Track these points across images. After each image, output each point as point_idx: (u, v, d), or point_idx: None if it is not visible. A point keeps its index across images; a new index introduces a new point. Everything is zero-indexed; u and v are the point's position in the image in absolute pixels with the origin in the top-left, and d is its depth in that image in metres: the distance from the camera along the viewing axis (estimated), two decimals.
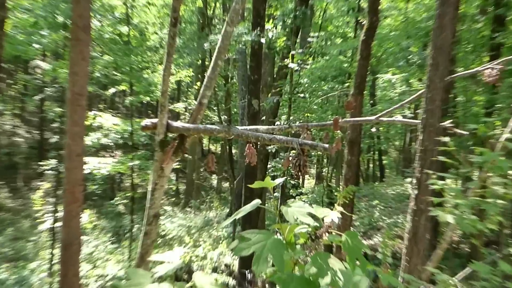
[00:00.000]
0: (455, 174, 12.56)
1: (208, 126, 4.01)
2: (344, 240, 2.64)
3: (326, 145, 3.24)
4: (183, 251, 2.71)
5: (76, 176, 4.52)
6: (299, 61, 15.12)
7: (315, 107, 18.47)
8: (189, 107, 24.51)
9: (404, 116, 16.91)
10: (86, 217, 20.44)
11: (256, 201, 2.70)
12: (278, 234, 2.82)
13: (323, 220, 2.76)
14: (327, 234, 2.74)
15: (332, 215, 2.74)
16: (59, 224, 17.14)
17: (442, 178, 5.35)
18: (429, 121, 5.70)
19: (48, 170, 19.94)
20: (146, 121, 4.33)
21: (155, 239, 4.37)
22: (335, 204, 2.94)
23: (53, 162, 18.43)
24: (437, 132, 5.67)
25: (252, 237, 2.50)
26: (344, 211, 2.87)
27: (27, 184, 31.29)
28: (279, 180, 2.94)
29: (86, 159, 15.47)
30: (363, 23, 11.99)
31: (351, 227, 12.40)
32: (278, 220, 2.70)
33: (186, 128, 4.06)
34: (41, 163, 19.73)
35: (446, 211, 4.01)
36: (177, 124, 4.15)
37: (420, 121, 5.84)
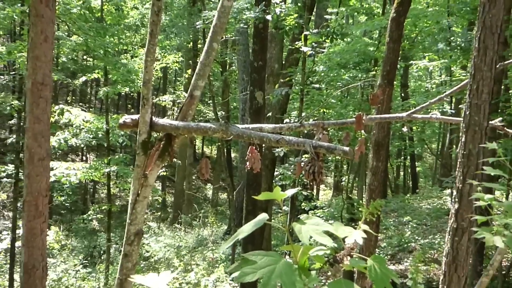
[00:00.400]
0: (505, 185, 12.53)
1: (201, 124, 4.00)
2: (370, 265, 2.63)
3: (347, 148, 3.23)
4: (171, 276, 2.70)
5: (40, 184, 4.52)
6: (313, 43, 15.10)
7: (333, 101, 18.48)
8: (178, 101, 24.54)
9: (443, 113, 16.91)
10: (52, 235, 20.45)
11: (263, 217, 2.69)
12: (288, 256, 2.82)
13: (344, 240, 2.76)
14: (348, 258, 2.73)
15: (355, 235, 2.73)
16: (19, 243, 17.17)
17: (490, 191, 5.33)
18: (474, 119, 5.67)
19: (4, 177, 19.97)
20: (125, 118, 4.32)
21: (137, 262, 4.36)
22: (359, 222, 2.93)
23: (10, 167, 18.44)
24: (484, 133, 5.65)
25: (258, 260, 2.49)
26: (369, 230, 2.86)
27: None
28: (291, 191, 2.93)
29: (51, 164, 15.50)
30: None
31: (376, 249, 12.40)
32: (289, 239, 2.69)
33: (174, 127, 4.05)
34: None
35: (493, 232, 3.99)
36: (163, 121, 4.14)
37: (462, 118, 5.82)
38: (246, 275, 2.46)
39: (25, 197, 4.47)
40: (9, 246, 18.53)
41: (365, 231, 2.86)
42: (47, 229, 5.07)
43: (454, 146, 22.85)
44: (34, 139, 4.35)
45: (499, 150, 4.34)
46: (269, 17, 13.66)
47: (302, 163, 3.53)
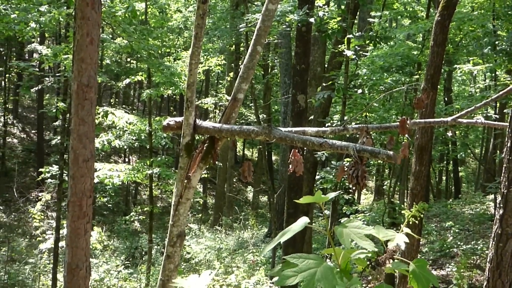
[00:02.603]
0: None
1: (244, 127, 4.00)
2: (412, 269, 2.63)
3: (391, 153, 3.21)
4: (211, 276, 2.72)
5: (84, 185, 4.57)
6: (356, 47, 15.05)
7: (376, 104, 18.38)
8: (220, 103, 24.63)
9: (487, 118, 16.72)
10: (95, 235, 20.63)
11: (304, 220, 2.70)
12: (329, 260, 2.83)
13: (386, 244, 2.75)
14: (390, 260, 2.72)
15: (397, 239, 2.73)
16: (62, 243, 17.37)
17: None
18: None
19: (48, 178, 20.20)
20: (169, 120, 4.36)
21: (179, 264, 4.39)
22: (402, 225, 2.92)
23: (54, 168, 18.65)
24: None
25: (299, 263, 2.50)
26: (411, 233, 2.85)
27: (24, 195, 31.77)
28: (332, 195, 2.93)
29: (95, 165, 15.66)
30: None
31: (418, 254, 12.31)
32: (331, 243, 2.69)
33: (217, 129, 4.06)
34: (40, 169, 20.01)
35: None
36: (207, 124, 4.16)
37: (508, 123, 5.76)
38: (287, 278, 2.47)
39: (69, 197, 4.52)
40: (53, 246, 18.74)
41: (407, 235, 2.86)
42: (90, 230, 5.12)
43: (498, 151, 22.56)
44: (79, 141, 4.40)
45: None
46: (312, 20, 13.64)
47: (345, 167, 3.53)
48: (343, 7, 15.21)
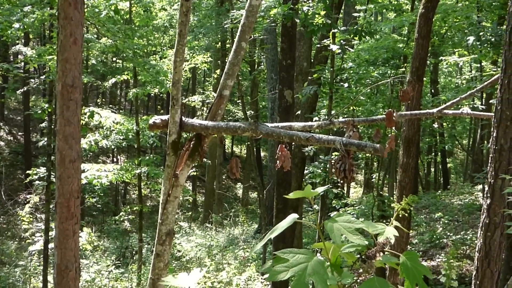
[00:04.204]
0: None
1: (231, 123, 4.00)
2: (402, 262, 2.62)
3: (377, 145, 3.21)
4: (201, 274, 2.71)
5: (71, 186, 4.54)
6: (342, 41, 15.05)
7: (362, 98, 18.41)
8: (207, 101, 24.62)
9: (474, 108, 16.77)
10: (85, 236, 20.58)
11: (293, 216, 2.68)
12: (319, 254, 2.82)
13: (375, 237, 2.75)
14: (380, 254, 2.72)
15: (387, 232, 2.72)
16: (52, 245, 17.31)
17: None
18: (506, 114, 5.62)
19: (36, 180, 20.13)
20: (155, 118, 4.35)
21: (168, 262, 4.38)
22: (391, 218, 2.91)
23: (42, 170, 18.57)
24: None
25: (290, 258, 2.49)
26: (400, 227, 2.84)
27: (12, 198, 31.65)
28: (321, 189, 2.92)
29: (82, 166, 15.60)
30: None
31: (408, 246, 12.33)
32: (320, 237, 2.68)
33: (204, 126, 4.06)
34: (28, 171, 19.93)
35: None
36: (193, 121, 4.15)
37: (494, 113, 5.77)
38: (279, 273, 2.46)
39: (57, 199, 4.50)
40: (43, 247, 18.68)
41: (396, 228, 2.85)
42: (80, 231, 5.10)
43: (486, 141, 22.65)
44: (65, 141, 4.37)
45: None
46: (297, 16, 13.64)
47: (333, 161, 3.53)
48: (327, 1, 15.20)
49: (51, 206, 17.47)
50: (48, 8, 16.39)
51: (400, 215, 3.12)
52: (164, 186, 4.22)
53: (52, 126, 17.98)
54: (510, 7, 5.67)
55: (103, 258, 22.07)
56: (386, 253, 2.73)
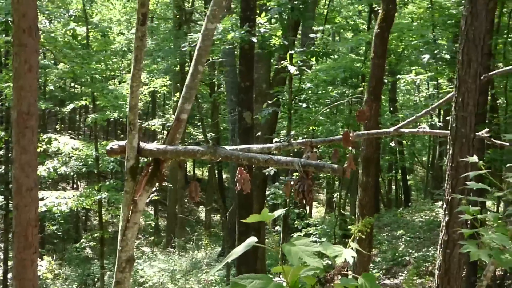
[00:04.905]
0: (494, 196, 12.55)
1: (189, 147, 3.99)
2: (361, 284, 2.62)
3: (335, 166, 3.22)
4: None
5: (28, 215, 4.49)
6: (299, 62, 15.15)
7: (321, 118, 18.50)
8: (167, 124, 24.52)
9: (432, 126, 16.96)
10: (45, 265, 20.33)
11: (251, 240, 2.67)
12: (280, 277, 2.81)
13: (334, 259, 2.75)
14: (339, 277, 2.72)
15: (345, 254, 2.73)
16: (11, 275, 17.09)
17: (478, 203, 5.31)
18: (461, 131, 5.69)
19: None
20: (112, 144, 4.31)
21: None
22: (349, 240, 2.92)
23: (0, 198, 18.36)
24: (472, 144, 5.66)
25: (248, 284, 2.48)
26: (359, 248, 2.85)
27: None
28: (278, 212, 2.92)
29: (40, 193, 15.43)
30: (378, 11, 12.04)
31: (370, 264, 12.38)
32: (280, 261, 2.68)
33: (162, 151, 4.03)
34: None
35: (481, 245, 3.97)
36: (151, 146, 4.13)
37: (449, 131, 5.84)
38: None
39: (14, 228, 4.44)
40: (2, 278, 18.43)
41: (356, 250, 2.85)
42: (40, 259, 5.04)
43: (444, 158, 22.89)
44: (21, 170, 4.32)
45: (480, 163, 4.33)
46: (254, 38, 13.70)
47: (292, 182, 3.53)
48: (284, 23, 15.29)
49: (9, 236, 17.26)
50: (4, 35, 16.25)
51: (358, 237, 3.14)
52: (123, 212, 4.18)
53: (9, 154, 17.79)
54: (462, 26, 5.75)
55: (64, 286, 21.80)
56: (346, 275, 2.73)
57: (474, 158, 4.46)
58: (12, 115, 4.37)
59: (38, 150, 4.44)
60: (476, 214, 3.95)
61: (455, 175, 5.70)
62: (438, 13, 18.51)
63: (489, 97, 14.30)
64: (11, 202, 16.61)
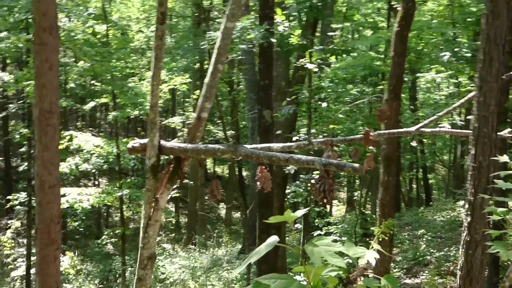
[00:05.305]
0: None
1: (210, 145, 3.99)
2: (383, 285, 2.61)
3: (356, 165, 3.21)
4: None
5: (51, 212, 4.51)
6: (318, 60, 15.10)
7: (341, 116, 18.43)
8: (187, 122, 24.51)
9: (453, 125, 16.82)
10: (67, 260, 20.42)
11: (273, 239, 2.67)
12: (301, 276, 2.80)
13: (357, 260, 2.73)
14: (362, 278, 2.71)
15: (368, 256, 2.71)
16: (34, 270, 17.20)
17: (503, 203, 5.26)
18: (483, 131, 5.64)
19: (17, 205, 19.97)
20: (134, 142, 4.32)
21: (151, 286, 4.34)
22: (372, 242, 2.91)
23: (23, 195, 18.46)
24: (494, 145, 5.61)
25: (271, 283, 2.47)
26: (381, 250, 2.84)
27: None
28: (300, 212, 2.91)
29: (63, 190, 15.50)
30: (397, 9, 11.96)
31: (391, 264, 12.31)
32: (301, 261, 2.67)
33: (182, 149, 4.04)
34: (8, 197, 19.78)
35: (508, 246, 3.93)
36: (172, 144, 4.13)
37: (471, 131, 5.79)
38: None
39: (37, 225, 4.47)
40: (25, 273, 18.54)
41: (378, 251, 2.84)
42: (62, 255, 5.07)
43: (466, 157, 22.70)
44: (43, 167, 4.34)
45: (510, 163, 4.30)
46: (273, 38, 13.68)
47: (313, 181, 3.52)
48: (303, 22, 15.25)
49: (32, 232, 17.36)
50: (25, 34, 16.35)
51: (380, 239, 3.12)
52: (145, 209, 4.19)
53: (32, 151, 17.89)
54: (483, 24, 5.70)
55: (86, 282, 21.89)
56: (368, 276, 2.71)
57: (505, 158, 4.43)
58: (34, 113, 4.39)
59: (60, 147, 4.49)
60: (504, 215, 3.91)
61: (478, 175, 5.64)
62: (458, 11, 18.36)
63: (510, 96, 14.16)
64: (34, 199, 16.79)
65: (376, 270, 8.09)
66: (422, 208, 28.71)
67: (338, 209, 37.85)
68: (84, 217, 30.40)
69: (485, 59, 5.62)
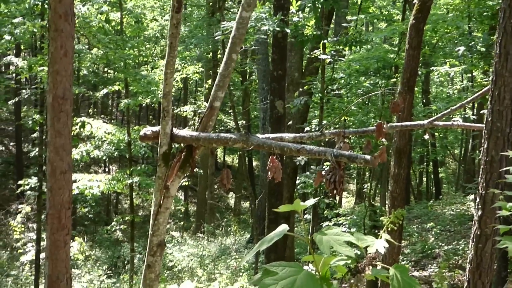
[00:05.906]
0: None
1: (222, 134, 4.00)
2: (392, 274, 2.62)
3: (368, 157, 3.21)
4: (193, 285, 2.71)
5: (62, 197, 4.53)
6: (332, 51, 15.07)
7: (353, 108, 18.40)
8: (199, 111, 24.55)
9: (466, 119, 16.79)
10: (77, 246, 20.50)
11: (283, 228, 2.68)
12: (310, 266, 2.82)
13: (365, 250, 2.74)
14: (370, 267, 2.72)
15: (377, 245, 2.72)
16: (43, 255, 17.27)
17: None
18: (497, 125, 5.62)
19: (28, 190, 20.05)
20: (146, 130, 4.34)
21: (160, 273, 4.37)
22: (381, 231, 2.91)
23: (33, 180, 18.52)
24: (507, 139, 5.60)
25: (279, 271, 2.49)
26: (390, 239, 2.84)
27: (4, 208, 31.55)
28: (310, 202, 2.92)
29: (74, 176, 15.56)
30: (413, 1, 11.91)
31: (399, 256, 12.31)
32: (310, 250, 2.68)
33: (194, 138, 4.05)
34: (19, 182, 19.86)
35: None
36: (184, 132, 4.15)
37: (484, 125, 5.77)
38: (267, 286, 2.46)
39: (48, 210, 4.49)
40: (34, 258, 18.63)
41: (387, 241, 2.85)
42: (71, 241, 5.09)
43: (477, 151, 22.64)
44: (55, 153, 4.36)
45: None
46: (287, 29, 13.65)
47: (323, 172, 3.52)
48: (318, 12, 15.21)
49: (42, 217, 17.43)
50: (39, 20, 16.38)
51: (389, 229, 3.12)
52: (155, 197, 4.21)
53: (44, 137, 17.94)
54: (500, 18, 5.67)
55: (95, 268, 22.00)
56: (377, 265, 2.73)
57: None
58: (47, 99, 4.41)
59: (72, 133, 4.50)
60: None
61: (489, 169, 5.63)
62: (474, 5, 18.24)
63: None
64: (45, 184, 16.86)
65: (384, 261, 8.08)
66: (431, 201, 28.70)
67: (347, 201, 37.88)
68: (93, 204, 30.55)
69: (500, 53, 5.59)
